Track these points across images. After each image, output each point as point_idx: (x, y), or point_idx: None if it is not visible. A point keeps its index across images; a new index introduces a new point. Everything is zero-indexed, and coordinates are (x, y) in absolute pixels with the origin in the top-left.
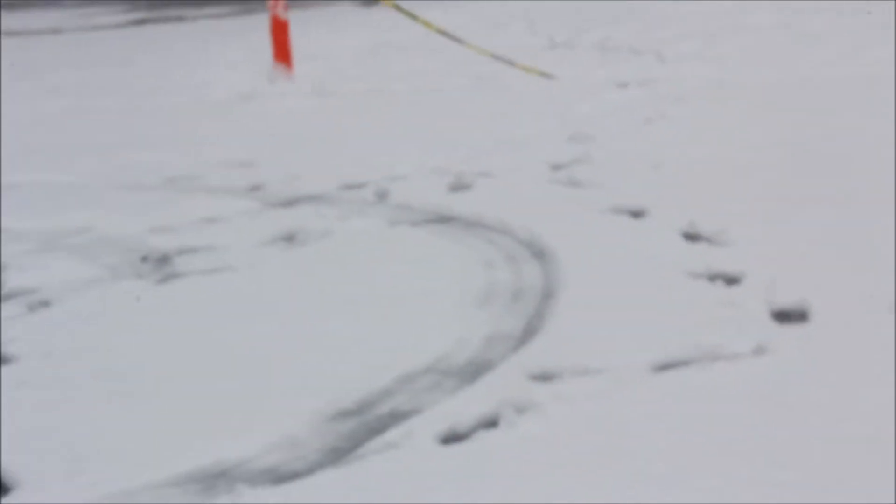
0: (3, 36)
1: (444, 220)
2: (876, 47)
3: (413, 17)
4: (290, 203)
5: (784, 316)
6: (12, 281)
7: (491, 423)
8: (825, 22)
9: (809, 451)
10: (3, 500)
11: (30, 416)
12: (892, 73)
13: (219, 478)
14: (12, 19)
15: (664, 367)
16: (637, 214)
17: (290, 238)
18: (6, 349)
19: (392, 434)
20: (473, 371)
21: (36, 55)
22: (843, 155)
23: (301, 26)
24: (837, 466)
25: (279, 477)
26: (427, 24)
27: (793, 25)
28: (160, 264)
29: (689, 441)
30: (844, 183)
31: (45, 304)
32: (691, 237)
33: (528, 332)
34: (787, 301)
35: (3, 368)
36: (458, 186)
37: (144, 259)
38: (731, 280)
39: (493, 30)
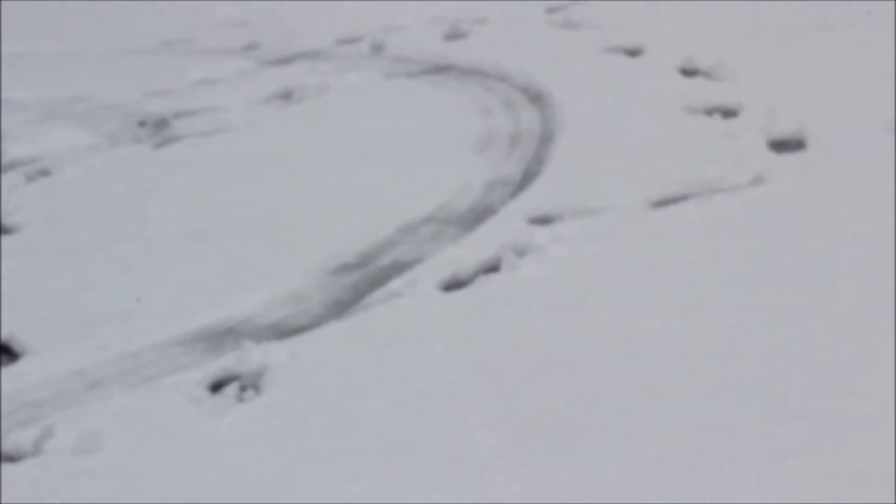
0: None
1: (441, 69)
2: None
3: None
4: (286, 61)
5: (782, 145)
6: (12, 151)
7: (492, 267)
8: None
9: (810, 277)
10: (13, 367)
11: (37, 283)
12: None
13: (225, 335)
14: None
15: (663, 202)
16: (634, 53)
17: (287, 95)
18: (10, 219)
19: (395, 283)
20: (474, 217)
21: None
22: None
23: None
24: (837, 291)
25: (284, 331)
26: None
27: None
28: (158, 128)
29: (692, 274)
30: (840, 7)
31: (46, 172)
32: (689, 73)
33: (528, 177)
34: (784, 130)
35: (8, 238)
36: (455, 35)
37: (142, 124)
38: (729, 113)
39: None
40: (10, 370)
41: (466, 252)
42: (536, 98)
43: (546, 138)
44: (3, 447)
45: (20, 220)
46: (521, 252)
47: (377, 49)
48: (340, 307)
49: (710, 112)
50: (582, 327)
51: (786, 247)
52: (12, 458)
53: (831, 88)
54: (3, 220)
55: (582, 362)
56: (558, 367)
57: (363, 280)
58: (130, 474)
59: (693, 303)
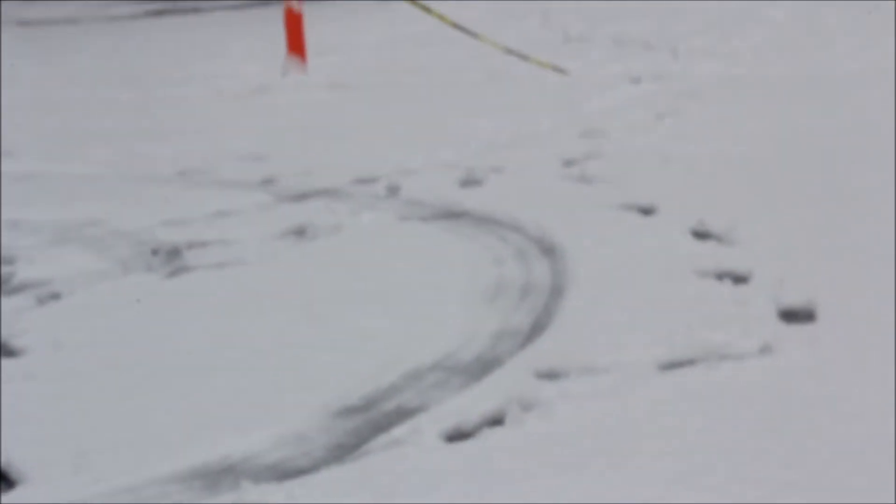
0: (19, 26)
1: (454, 215)
2: (889, 42)
3: (427, 10)
4: (301, 197)
5: (791, 315)
6: (23, 273)
7: (497, 420)
8: (838, 16)
9: (814, 452)
10: (9, 495)
11: (37, 410)
12: None
13: (224, 474)
14: (30, 9)
15: (670, 365)
16: (647, 211)
17: (300, 232)
18: (16, 342)
19: (398, 431)
20: (481, 368)
21: (53, 44)
22: (854, 152)
23: (316, 19)
24: (841, 467)
25: (284, 473)
26: (441, 17)
27: (806, 20)
28: (171, 257)
29: (695, 441)
30: (855, 181)
31: (55, 296)
32: (700, 235)
33: (536, 329)
34: (794, 300)
35: (12, 361)
36: (470, 181)
37: (155, 252)
38: (739, 279)
39: (507, 23)
40: (7, 497)
41: (471, 403)
42: (549, 250)
43: (556, 291)
44: None
45: (25, 343)
46: (526, 407)
47: (392, 191)
48: (342, 451)
49: (720, 276)
50: (585, 490)
51: (791, 420)
52: None
53: (843, 258)
54: (9, 344)
55: None
56: None
57: (366, 425)
58: None
59: (695, 471)
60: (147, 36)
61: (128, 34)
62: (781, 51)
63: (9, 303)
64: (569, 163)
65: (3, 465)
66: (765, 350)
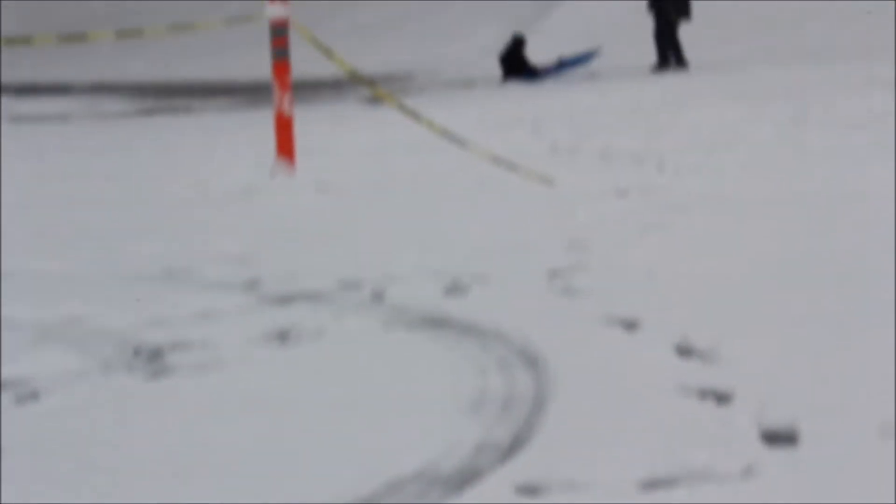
0: (11, 121)
1: (439, 323)
2: (876, 165)
3: (416, 117)
4: (285, 300)
5: (774, 437)
6: (3, 370)
7: None
8: (826, 137)
9: None
10: None
11: None
12: (891, 192)
13: None
14: (22, 105)
15: (651, 485)
16: (631, 326)
17: (283, 336)
18: None
19: None
20: (461, 480)
21: (42, 140)
22: (839, 273)
23: (306, 122)
24: None
25: None
26: (430, 124)
27: (794, 139)
28: (152, 358)
29: None
30: (840, 302)
31: (34, 396)
32: (684, 351)
33: (517, 443)
34: (777, 422)
35: None
36: (454, 289)
37: (137, 352)
38: (722, 398)
39: (496, 132)
40: None
41: None
42: (532, 362)
43: (538, 405)
44: None
45: (3, 443)
46: None
47: (378, 297)
48: None
49: (703, 395)
50: None
51: None
52: None
53: (827, 380)
54: None
55: None
56: None
57: None
58: None
59: None
60: (137, 134)
61: (118, 132)
62: (766, 169)
63: None
64: (553, 274)
65: None
66: (746, 473)
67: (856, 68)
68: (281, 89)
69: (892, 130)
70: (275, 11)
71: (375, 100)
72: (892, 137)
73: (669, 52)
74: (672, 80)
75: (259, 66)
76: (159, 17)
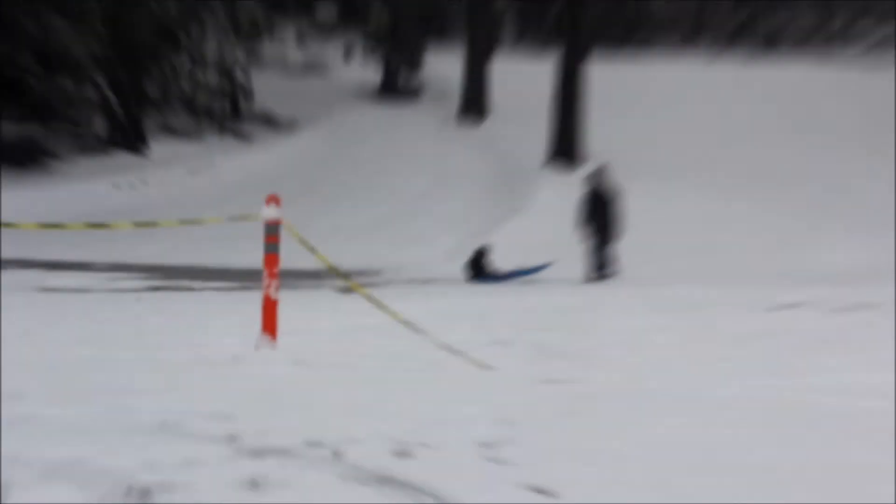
0: (40, 292)
1: (386, 481)
2: (748, 375)
3: (382, 306)
4: (258, 454)
5: None
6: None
7: None
8: (717, 348)
9: None
10: None
11: None
12: (758, 396)
13: None
14: (50, 278)
15: None
16: (548, 495)
17: (254, 484)
18: None
19: None
20: None
21: (68, 309)
22: (746, 463)
23: (288, 304)
24: None
25: None
26: (393, 314)
27: (691, 348)
28: (142, 496)
29: None
30: (714, 480)
31: None
32: None
33: None
34: None
35: None
36: (402, 454)
37: (129, 491)
38: None
39: (447, 323)
40: None
41: None
42: None
43: None
44: None
45: None
46: None
47: (337, 455)
48: None
49: None
50: None
51: None
52: None
53: None
54: None
55: None
56: None
57: None
58: None
59: None
60: (146, 307)
61: (130, 305)
62: (665, 371)
63: None
64: (486, 445)
65: None
66: None
67: (763, 293)
68: (269, 277)
69: (768, 347)
70: (269, 213)
71: (348, 289)
72: (766, 353)
73: (598, 267)
74: (598, 289)
75: (252, 255)
76: (172, 211)
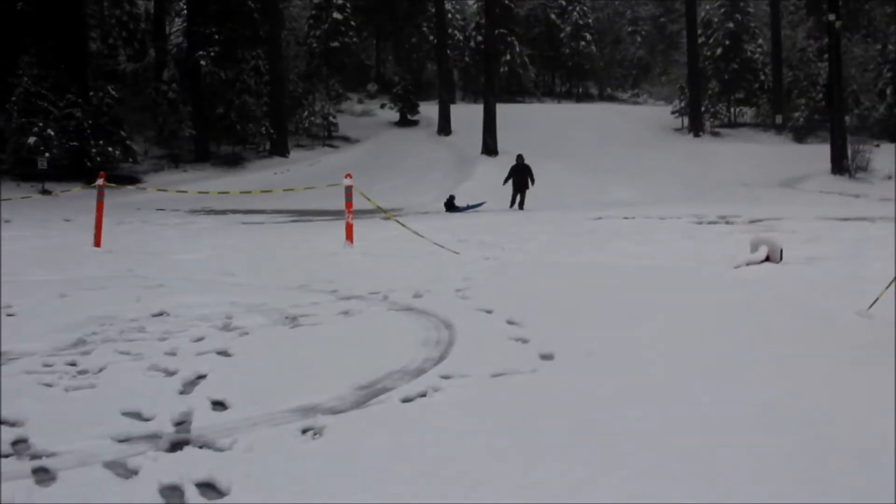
0: (242, 224)
1: (410, 309)
2: (605, 242)
3: (404, 225)
4: (347, 298)
5: (546, 356)
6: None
7: (422, 394)
8: (577, 238)
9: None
10: None
11: None
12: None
13: None
14: (245, 218)
15: (498, 374)
16: (489, 312)
17: (347, 313)
18: None
19: (380, 398)
20: (417, 372)
21: (253, 230)
22: (585, 288)
23: (358, 226)
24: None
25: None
26: (410, 229)
27: (562, 241)
28: (293, 320)
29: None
30: (586, 300)
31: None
32: (511, 322)
33: (441, 358)
34: (549, 351)
35: None
36: (417, 295)
37: (286, 317)
38: (523, 340)
39: (435, 232)
40: None
41: (412, 388)
42: (448, 325)
43: (451, 343)
44: None
45: None
46: (436, 389)
47: (385, 298)
48: (360, 404)
49: (517, 341)
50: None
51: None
52: None
53: (574, 334)
54: None
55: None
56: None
57: (366, 396)
58: None
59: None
60: (290, 228)
61: (282, 227)
62: (546, 252)
63: None
64: (458, 290)
65: None
66: (531, 371)
67: (588, 212)
68: (348, 213)
69: (591, 237)
70: (346, 181)
71: (387, 218)
72: (591, 239)
73: (513, 201)
74: (511, 214)
75: (340, 203)
76: (302, 183)
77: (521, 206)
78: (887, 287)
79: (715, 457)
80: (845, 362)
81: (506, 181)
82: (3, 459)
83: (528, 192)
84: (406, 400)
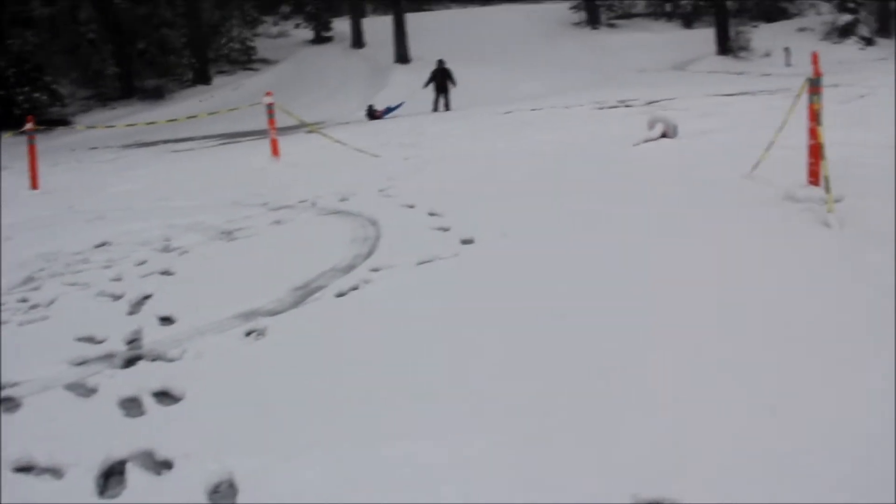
0: (172, 152)
1: (338, 212)
2: (515, 132)
3: (326, 135)
4: (277, 209)
5: (466, 241)
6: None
7: (354, 288)
8: (486, 133)
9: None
10: None
11: None
12: (502, 151)
13: None
14: (175, 146)
15: (420, 263)
16: (411, 207)
17: (278, 222)
18: None
19: (316, 295)
20: (348, 268)
21: (182, 156)
22: (499, 181)
23: (283, 142)
24: None
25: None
26: (333, 139)
27: (476, 136)
28: (227, 234)
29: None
30: (496, 192)
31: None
32: (432, 214)
33: (370, 253)
34: (468, 236)
35: None
36: (343, 199)
37: (220, 232)
38: (445, 229)
39: (357, 138)
40: None
41: (345, 282)
42: (374, 223)
43: (376, 239)
44: None
45: None
46: (367, 281)
47: (314, 204)
48: (299, 302)
49: (440, 230)
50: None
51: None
52: None
53: (490, 223)
54: None
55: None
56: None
57: (305, 293)
58: None
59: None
60: (220, 151)
61: (212, 150)
62: (460, 146)
63: None
64: (381, 190)
65: None
66: (454, 255)
67: (500, 107)
68: (272, 129)
69: (503, 128)
70: (267, 100)
71: (311, 132)
72: (503, 130)
73: (436, 104)
74: (427, 116)
75: (263, 121)
76: (226, 107)
77: (446, 108)
78: (766, 151)
79: (614, 307)
80: (732, 217)
81: (426, 84)
82: None
83: (450, 94)
84: (340, 294)
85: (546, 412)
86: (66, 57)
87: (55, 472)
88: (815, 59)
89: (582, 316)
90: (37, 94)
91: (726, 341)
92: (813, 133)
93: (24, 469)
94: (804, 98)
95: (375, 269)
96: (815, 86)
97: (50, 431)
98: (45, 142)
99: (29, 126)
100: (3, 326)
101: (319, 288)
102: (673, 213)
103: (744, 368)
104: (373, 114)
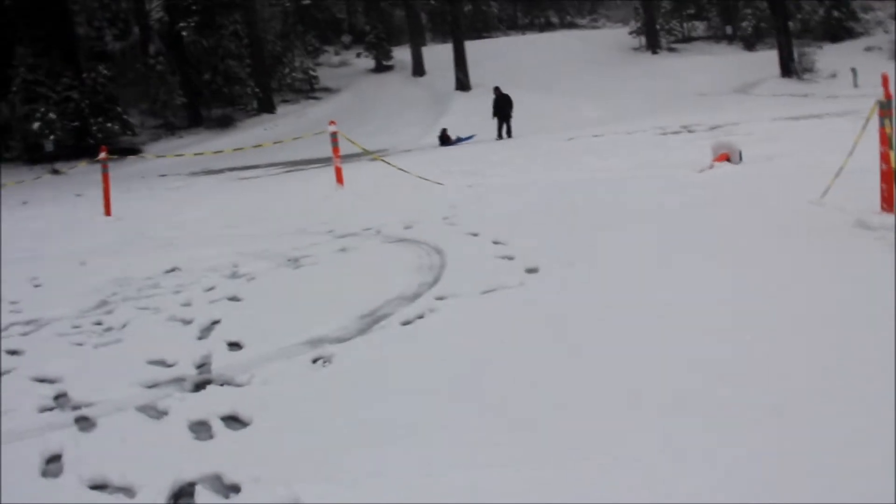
0: (238, 180)
1: (403, 240)
2: (575, 159)
3: (389, 163)
4: (344, 235)
5: (531, 271)
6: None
7: (420, 316)
8: (546, 164)
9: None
10: None
11: None
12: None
13: None
14: (242, 174)
15: (487, 291)
16: (475, 235)
17: (343, 250)
18: None
19: (382, 324)
20: (414, 297)
21: (249, 184)
22: (569, 212)
23: (346, 169)
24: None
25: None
26: (396, 166)
27: (538, 164)
28: (294, 262)
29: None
30: (569, 225)
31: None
32: (496, 242)
33: (435, 281)
34: (532, 265)
35: None
36: (407, 226)
37: (288, 259)
38: (509, 257)
39: (423, 167)
40: None
41: (411, 311)
42: (439, 251)
43: (442, 267)
44: None
45: None
46: (433, 310)
47: (378, 232)
48: (364, 330)
49: (504, 258)
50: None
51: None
52: None
53: (557, 253)
54: None
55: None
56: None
57: (370, 321)
58: None
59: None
60: (286, 178)
61: (280, 178)
62: (520, 175)
63: None
64: (445, 218)
65: None
66: (519, 284)
67: (562, 133)
68: (336, 157)
69: (562, 155)
70: (331, 128)
71: (374, 159)
72: (561, 158)
73: (499, 131)
74: (494, 144)
75: (325, 150)
76: (291, 135)
77: (509, 135)
78: (835, 177)
79: (691, 341)
80: (804, 247)
81: (494, 114)
82: (48, 412)
83: (511, 120)
84: (405, 323)
85: (608, 445)
86: (137, 88)
87: (128, 492)
88: (884, 80)
89: (655, 347)
90: (109, 125)
91: (814, 374)
92: (885, 158)
93: (99, 487)
94: (874, 121)
95: (441, 298)
96: (885, 108)
97: (123, 451)
98: (116, 170)
99: (103, 156)
100: (79, 348)
101: (385, 316)
102: (744, 244)
103: (830, 402)
104: (446, 138)
